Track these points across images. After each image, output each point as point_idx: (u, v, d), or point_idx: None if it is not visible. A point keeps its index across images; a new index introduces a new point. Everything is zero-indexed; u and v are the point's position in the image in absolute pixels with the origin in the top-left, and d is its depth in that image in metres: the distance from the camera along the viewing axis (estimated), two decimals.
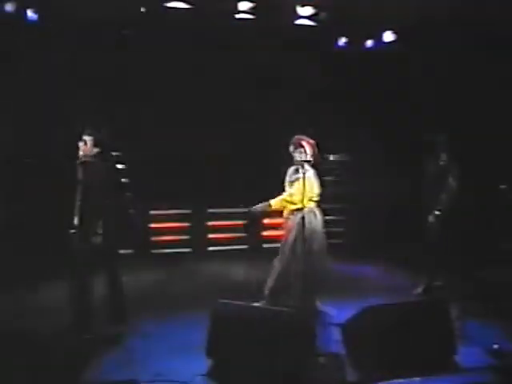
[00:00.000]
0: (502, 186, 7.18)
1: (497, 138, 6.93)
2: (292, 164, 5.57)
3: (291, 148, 5.52)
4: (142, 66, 7.61)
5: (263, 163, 8.23)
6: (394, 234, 7.80)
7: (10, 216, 6.86)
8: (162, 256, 8.15)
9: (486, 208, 7.10)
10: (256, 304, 5.25)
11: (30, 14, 6.75)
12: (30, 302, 5.73)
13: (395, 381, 3.95)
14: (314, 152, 5.48)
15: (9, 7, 6.51)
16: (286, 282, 5.40)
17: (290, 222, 5.50)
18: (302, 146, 5.44)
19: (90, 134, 4.97)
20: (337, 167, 8.98)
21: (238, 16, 6.97)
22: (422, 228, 6.31)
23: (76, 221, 4.87)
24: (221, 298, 4.42)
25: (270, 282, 5.51)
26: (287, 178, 5.61)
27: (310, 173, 5.48)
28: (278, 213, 5.65)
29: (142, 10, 6.71)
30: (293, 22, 7.13)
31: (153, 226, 8.35)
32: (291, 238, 5.44)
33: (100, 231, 4.80)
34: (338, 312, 5.35)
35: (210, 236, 8.58)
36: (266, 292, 5.50)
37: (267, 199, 5.75)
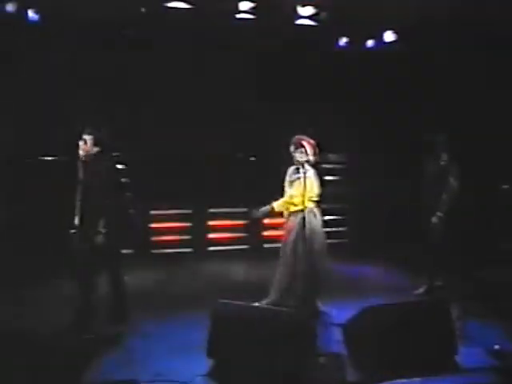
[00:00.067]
0: (505, 186, 7.18)
1: (497, 138, 6.93)
2: (292, 164, 5.58)
3: (292, 148, 5.52)
4: (142, 65, 7.61)
5: (263, 163, 8.24)
6: (393, 234, 7.79)
7: (10, 216, 6.86)
8: (163, 256, 8.14)
9: (486, 208, 7.09)
10: (256, 304, 5.25)
11: (30, 14, 6.74)
12: (30, 302, 5.73)
13: (396, 381, 3.95)
14: (314, 152, 5.49)
15: (10, 7, 6.50)
16: (289, 282, 5.41)
17: (290, 223, 5.51)
18: (303, 146, 5.44)
19: (90, 133, 4.97)
20: (337, 167, 8.98)
21: (238, 16, 6.96)
22: (421, 228, 6.32)
23: (76, 221, 4.88)
24: (221, 297, 4.42)
25: (276, 284, 5.51)
26: (287, 178, 5.61)
27: (311, 173, 5.50)
28: (279, 213, 5.66)
29: (142, 10, 6.69)
30: (293, 21, 7.12)
31: (153, 225, 8.35)
32: (292, 238, 5.45)
33: (102, 230, 4.79)
34: (338, 312, 5.35)
35: (211, 236, 8.57)
36: (274, 293, 5.48)
37: (267, 199, 5.76)
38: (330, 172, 8.58)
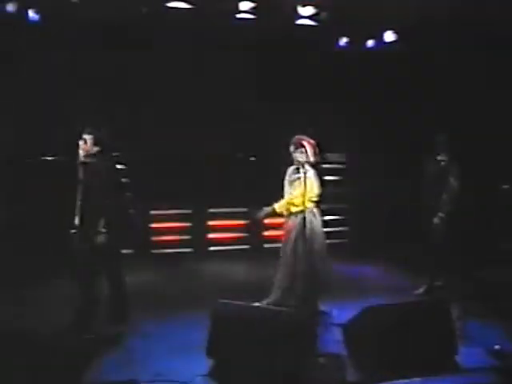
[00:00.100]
0: (505, 186, 7.18)
1: (497, 138, 6.93)
2: (292, 164, 5.58)
3: (292, 148, 5.52)
4: (142, 65, 7.61)
5: (263, 163, 8.23)
6: (393, 233, 7.79)
7: (10, 216, 6.86)
8: (163, 256, 8.14)
9: (486, 208, 7.09)
10: (256, 304, 5.25)
11: (31, 14, 6.74)
12: (30, 302, 5.73)
13: (396, 381, 3.95)
14: (314, 152, 5.49)
15: (10, 7, 6.50)
16: (290, 282, 5.41)
17: (290, 223, 5.51)
18: (303, 146, 5.44)
19: (90, 133, 4.98)
20: (337, 167, 8.98)
21: (238, 16, 6.96)
22: (422, 228, 6.32)
23: (76, 221, 4.87)
24: (221, 297, 4.41)
25: (277, 284, 5.51)
26: (287, 177, 5.61)
27: (311, 173, 5.50)
28: (279, 213, 5.65)
29: (144, 10, 6.69)
30: (293, 21, 7.12)
31: (153, 225, 8.35)
32: (292, 238, 5.45)
33: (102, 230, 4.79)
34: (338, 312, 5.36)
35: (211, 236, 8.57)
36: (275, 293, 5.48)
37: (267, 199, 5.76)
38: (330, 172, 8.59)
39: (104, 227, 4.80)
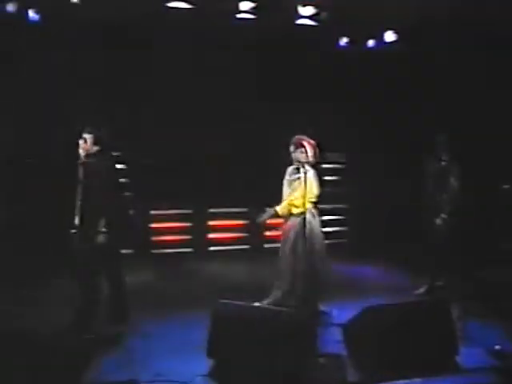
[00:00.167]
0: (505, 186, 7.18)
1: (497, 137, 6.93)
2: (292, 164, 5.58)
3: (292, 148, 5.51)
4: (142, 65, 7.61)
5: (263, 163, 8.23)
6: (394, 233, 7.79)
7: (10, 216, 6.85)
8: (163, 256, 8.14)
9: (486, 208, 7.09)
10: (257, 304, 5.25)
11: (31, 14, 6.74)
12: (30, 302, 5.73)
13: (396, 381, 3.95)
14: (314, 152, 5.48)
15: (10, 7, 6.50)
16: (290, 282, 5.40)
17: (289, 223, 5.50)
18: (303, 146, 5.44)
19: (89, 132, 4.98)
20: (337, 167, 8.98)
21: (238, 16, 6.96)
22: (422, 228, 6.32)
23: (76, 221, 4.87)
24: (221, 297, 4.41)
25: (277, 284, 5.50)
26: (286, 177, 5.61)
27: (311, 173, 5.49)
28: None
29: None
30: (294, 21, 7.12)
31: (153, 225, 8.34)
32: (291, 238, 5.44)
33: (103, 229, 4.79)
34: (338, 312, 5.35)
35: (211, 236, 8.57)
36: (275, 293, 5.48)
37: (267, 199, 5.76)
38: (329, 172, 8.59)
39: (104, 227, 4.80)
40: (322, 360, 4.33)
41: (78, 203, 4.88)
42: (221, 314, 4.30)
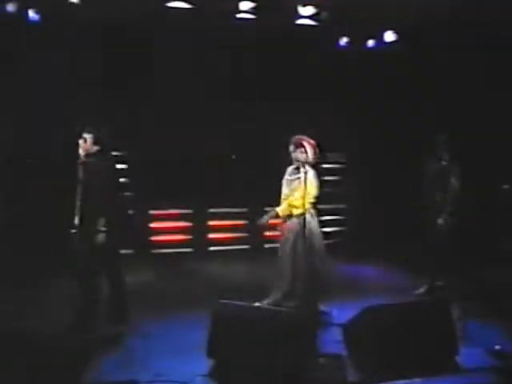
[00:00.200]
0: (505, 186, 7.18)
1: (497, 138, 6.93)
2: (291, 164, 5.57)
3: (291, 148, 5.50)
4: (142, 65, 7.60)
5: (263, 163, 8.23)
6: (394, 233, 7.79)
7: (10, 216, 6.85)
8: (163, 256, 8.14)
9: (486, 208, 7.09)
10: (257, 304, 5.25)
11: (31, 14, 6.74)
12: (30, 302, 5.73)
13: (396, 381, 3.95)
14: (314, 152, 5.48)
15: (10, 7, 6.50)
16: (291, 283, 5.40)
17: (288, 223, 5.50)
18: (303, 146, 5.43)
19: (89, 132, 4.98)
20: (337, 167, 8.97)
21: (238, 16, 6.96)
22: (422, 228, 6.32)
23: (76, 221, 4.87)
24: (221, 297, 4.41)
25: (277, 284, 5.50)
26: (286, 176, 5.61)
27: (311, 173, 5.47)
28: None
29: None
30: (294, 21, 7.12)
31: (153, 225, 8.34)
32: (291, 238, 5.44)
33: (102, 229, 4.79)
34: (338, 312, 5.35)
35: (211, 236, 8.56)
36: (276, 293, 5.48)
37: (267, 199, 5.76)
38: (329, 172, 8.59)
39: (103, 226, 4.79)
40: (321, 360, 4.33)
41: (78, 203, 4.88)
42: (221, 314, 4.29)
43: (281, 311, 4.63)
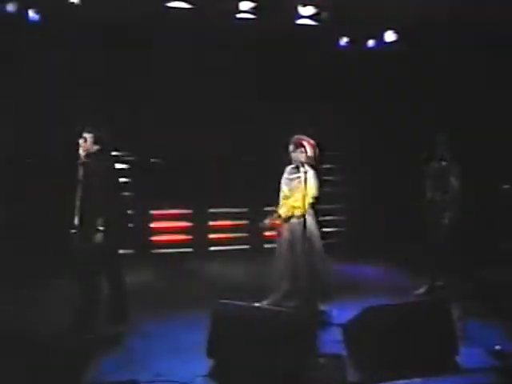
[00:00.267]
0: (505, 186, 7.18)
1: (497, 137, 6.93)
2: (291, 163, 5.57)
3: (291, 147, 5.50)
4: (142, 65, 7.61)
5: (263, 163, 8.23)
6: (394, 233, 7.79)
7: (10, 216, 6.85)
8: (163, 256, 8.14)
9: (486, 208, 7.09)
10: (256, 304, 5.25)
11: (31, 14, 6.74)
12: (29, 302, 5.72)
13: (396, 381, 3.95)
14: (314, 152, 5.47)
15: (10, 7, 6.50)
16: (291, 283, 5.40)
17: (286, 223, 5.49)
18: (303, 146, 5.42)
19: (89, 132, 4.98)
20: (336, 167, 8.97)
21: (238, 16, 6.96)
22: (422, 228, 6.32)
23: (76, 221, 4.87)
24: (221, 297, 4.41)
25: (277, 285, 5.50)
26: (285, 175, 5.60)
27: (310, 173, 5.46)
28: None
29: None
30: (294, 21, 7.12)
31: (153, 225, 8.34)
32: (289, 238, 5.44)
33: (101, 228, 4.78)
34: (338, 312, 5.35)
35: (211, 236, 8.56)
36: (276, 294, 5.48)
37: (267, 199, 5.76)
38: (329, 172, 8.59)
39: (102, 226, 4.79)
40: (321, 360, 4.33)
41: (78, 203, 4.88)
42: (221, 314, 4.29)
43: (281, 311, 4.62)
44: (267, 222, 5.56)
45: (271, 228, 5.66)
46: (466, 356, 4.36)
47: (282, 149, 5.63)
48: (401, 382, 3.96)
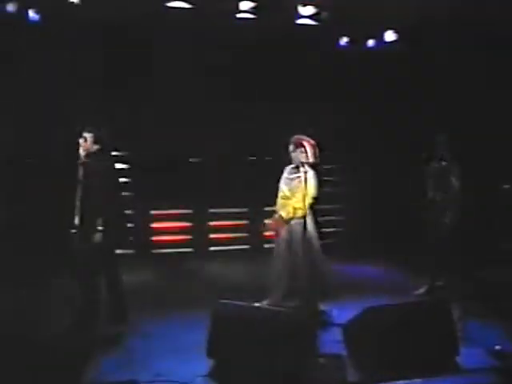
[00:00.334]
0: (505, 186, 7.18)
1: (497, 137, 6.93)
2: (291, 163, 5.57)
3: (291, 147, 5.50)
4: (142, 65, 7.60)
5: (263, 163, 8.23)
6: (393, 233, 7.79)
7: (10, 216, 6.85)
8: (163, 256, 8.14)
9: (486, 208, 7.09)
10: (257, 304, 5.25)
11: (31, 14, 6.74)
12: (30, 302, 5.72)
13: (396, 382, 3.95)
14: (314, 152, 5.47)
15: (10, 7, 6.50)
16: (290, 283, 5.40)
17: (286, 224, 5.49)
18: (303, 146, 5.42)
19: (90, 131, 4.99)
20: (336, 167, 8.97)
21: (238, 16, 6.96)
22: (422, 228, 6.32)
23: (76, 220, 4.87)
24: (221, 297, 4.41)
25: (277, 285, 5.49)
26: (285, 175, 5.60)
27: (310, 174, 5.45)
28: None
29: None
30: (294, 21, 7.12)
31: (153, 225, 8.34)
32: (288, 238, 5.44)
33: (100, 228, 4.79)
34: (338, 312, 5.35)
35: (212, 236, 8.56)
36: (276, 294, 5.47)
37: (267, 199, 5.76)
38: (329, 172, 8.58)
39: (101, 226, 4.79)
40: (321, 360, 4.33)
41: (78, 203, 4.88)
42: (221, 314, 4.29)
43: (281, 311, 4.62)
44: (268, 223, 5.55)
45: (273, 229, 5.65)
46: (466, 356, 4.36)
47: (282, 149, 5.63)
48: (401, 382, 3.96)
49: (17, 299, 5.74)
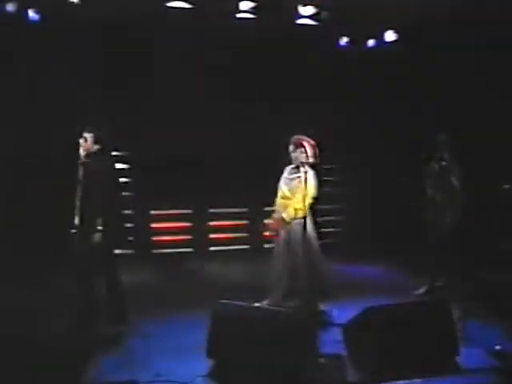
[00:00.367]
0: (505, 186, 7.18)
1: (497, 137, 6.93)
2: (291, 163, 5.57)
3: (291, 148, 5.50)
4: (142, 65, 7.60)
5: (263, 163, 8.22)
6: (393, 233, 7.79)
7: (10, 216, 6.85)
8: (163, 256, 8.14)
9: (486, 208, 7.09)
10: (257, 304, 5.25)
11: (31, 14, 6.74)
12: (30, 302, 5.73)
13: (396, 382, 3.95)
14: (314, 152, 5.46)
15: (10, 7, 6.50)
16: (290, 283, 5.40)
17: (286, 225, 5.49)
18: (303, 146, 5.42)
19: (90, 131, 4.99)
20: (336, 167, 8.97)
21: (238, 16, 6.96)
22: (422, 228, 6.32)
23: (76, 220, 4.87)
24: (221, 298, 4.41)
25: (277, 285, 5.49)
26: (285, 175, 5.60)
27: (310, 174, 5.44)
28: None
29: None
30: (294, 21, 7.12)
31: (153, 225, 8.34)
32: (287, 238, 5.43)
33: (100, 228, 4.78)
34: (338, 312, 5.35)
35: (212, 236, 8.56)
36: (276, 294, 5.47)
37: (267, 199, 5.75)
38: (329, 172, 8.58)
39: (100, 226, 4.79)
40: (321, 360, 4.33)
41: (78, 203, 4.88)
42: (221, 314, 4.29)
43: (281, 311, 4.62)
44: (268, 223, 5.55)
45: (273, 229, 5.65)
46: (466, 356, 4.36)
47: (282, 149, 5.63)
48: (401, 382, 3.96)
49: (17, 299, 5.74)
